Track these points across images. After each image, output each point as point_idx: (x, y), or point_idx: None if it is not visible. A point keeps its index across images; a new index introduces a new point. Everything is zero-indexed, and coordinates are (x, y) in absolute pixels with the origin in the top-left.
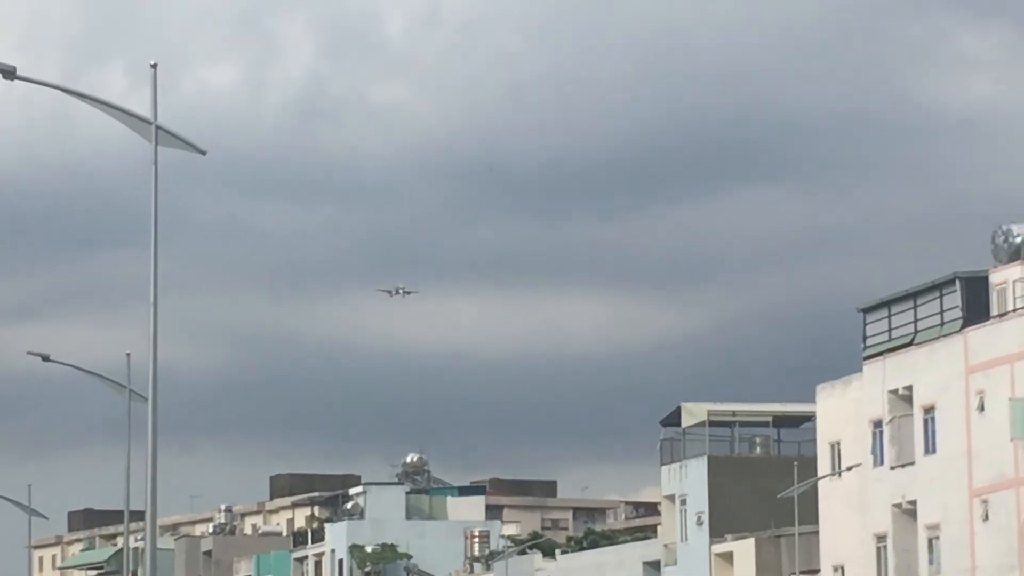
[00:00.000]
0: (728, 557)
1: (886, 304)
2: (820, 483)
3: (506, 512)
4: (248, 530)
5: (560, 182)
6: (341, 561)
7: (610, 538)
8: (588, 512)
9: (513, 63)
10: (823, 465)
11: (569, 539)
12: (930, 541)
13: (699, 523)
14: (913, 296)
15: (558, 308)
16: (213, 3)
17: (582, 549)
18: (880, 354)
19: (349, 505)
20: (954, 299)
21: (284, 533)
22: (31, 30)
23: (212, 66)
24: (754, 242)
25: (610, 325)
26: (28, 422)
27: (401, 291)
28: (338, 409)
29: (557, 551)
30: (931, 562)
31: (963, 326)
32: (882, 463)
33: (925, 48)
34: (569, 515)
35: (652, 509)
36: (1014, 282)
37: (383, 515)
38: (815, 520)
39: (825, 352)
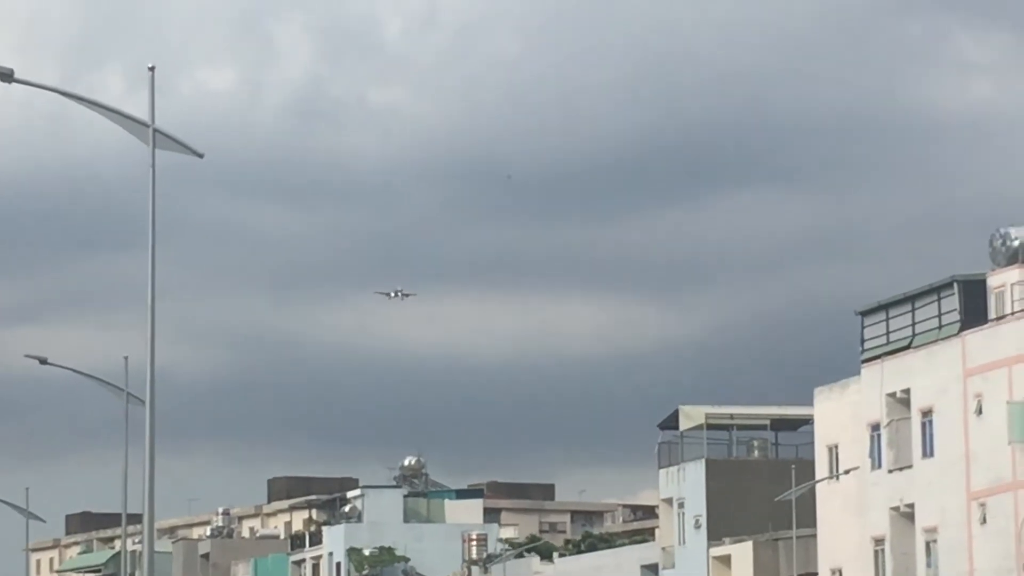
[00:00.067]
0: (726, 560)
1: (884, 307)
2: (818, 486)
3: (504, 515)
4: (246, 533)
5: (559, 184)
6: (339, 564)
7: (608, 541)
8: (586, 515)
9: (512, 65)
10: (821, 468)
11: (567, 542)
12: (928, 544)
13: (697, 526)
14: (911, 299)
15: (557, 310)
16: (211, 6)
17: (580, 552)
18: (878, 357)
19: (347, 508)
20: (952, 302)
21: (282, 536)
22: (29, 33)
23: (210, 68)
24: (752, 245)
25: (608, 327)
26: (26, 425)
27: (400, 293)
28: (336, 412)
29: (555, 554)
30: (929, 565)
31: (961, 329)
32: (880, 466)
33: (924, 50)
34: (567, 518)
35: (650, 512)
36: (1012, 285)
37: (381, 518)
38: (813, 523)
39: (823, 355)
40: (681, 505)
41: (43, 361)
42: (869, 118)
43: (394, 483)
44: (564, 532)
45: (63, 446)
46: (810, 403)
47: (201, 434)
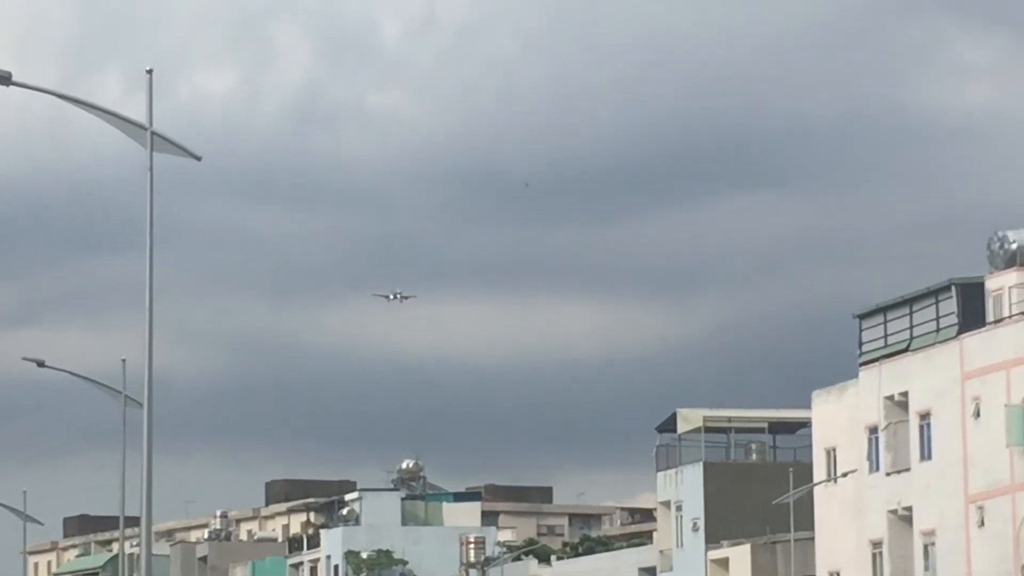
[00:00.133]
0: (724, 563)
1: (882, 310)
2: (816, 489)
3: (502, 518)
4: (244, 536)
5: (557, 187)
6: (337, 567)
7: (606, 544)
8: (584, 518)
9: (509, 68)
10: (819, 471)
11: (565, 545)
12: (926, 547)
13: (695, 529)
14: (909, 302)
15: (555, 313)
16: (209, 9)
17: (578, 555)
18: (876, 360)
19: (345, 511)
20: (950, 305)
21: (280, 539)
22: (27, 35)
23: (208, 72)
24: (751, 247)
25: (607, 330)
26: (23, 428)
27: (398, 296)
28: (334, 415)
29: (553, 557)
30: (927, 568)
31: (959, 332)
32: (878, 469)
33: (923, 53)
34: (565, 521)
35: (648, 515)
36: (1010, 288)
37: (379, 521)
38: (811, 526)
39: (821, 358)
40: (679, 508)
41: (41, 364)
42: (868, 120)
43: (392, 486)
44: (562, 535)
45: (61, 449)
46: (808, 406)
47: (199, 437)
